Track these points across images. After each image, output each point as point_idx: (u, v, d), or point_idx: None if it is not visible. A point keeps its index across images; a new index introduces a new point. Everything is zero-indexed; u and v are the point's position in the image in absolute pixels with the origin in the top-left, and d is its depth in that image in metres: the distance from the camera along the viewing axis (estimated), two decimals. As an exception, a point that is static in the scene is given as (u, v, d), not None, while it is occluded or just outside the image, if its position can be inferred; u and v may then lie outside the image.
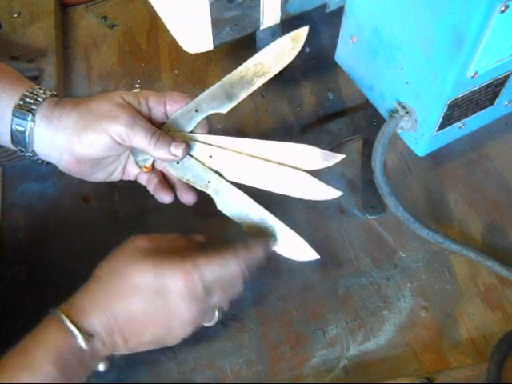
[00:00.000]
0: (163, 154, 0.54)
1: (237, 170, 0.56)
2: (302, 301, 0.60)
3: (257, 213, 0.56)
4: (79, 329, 0.45)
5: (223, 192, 0.56)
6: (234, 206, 0.56)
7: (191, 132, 0.57)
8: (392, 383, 0.55)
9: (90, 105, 0.53)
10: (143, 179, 0.59)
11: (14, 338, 0.59)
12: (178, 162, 0.56)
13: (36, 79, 0.72)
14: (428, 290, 0.60)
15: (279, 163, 0.56)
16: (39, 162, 0.56)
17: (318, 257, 0.55)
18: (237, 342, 0.58)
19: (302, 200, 0.67)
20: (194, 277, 0.47)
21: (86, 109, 0.53)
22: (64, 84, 0.77)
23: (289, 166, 0.56)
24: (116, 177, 0.59)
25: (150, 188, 0.58)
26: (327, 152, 0.56)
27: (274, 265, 0.62)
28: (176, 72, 0.79)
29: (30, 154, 0.55)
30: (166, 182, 0.59)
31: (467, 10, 0.43)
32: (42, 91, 0.53)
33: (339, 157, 0.56)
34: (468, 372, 0.54)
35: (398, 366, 0.57)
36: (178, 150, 0.54)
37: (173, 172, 0.57)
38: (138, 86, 0.77)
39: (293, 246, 0.55)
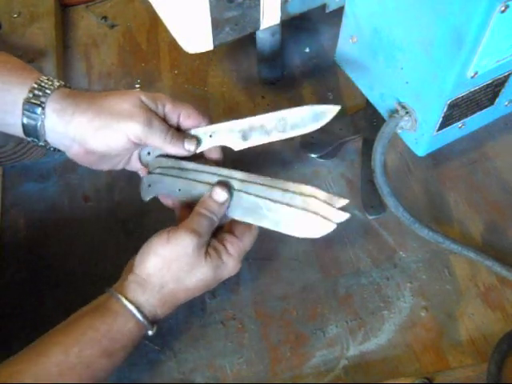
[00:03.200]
0: (178, 150, 0.56)
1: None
2: (301, 301, 0.61)
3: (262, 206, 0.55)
4: (150, 322, 0.52)
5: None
6: (241, 208, 0.56)
7: (201, 154, 0.59)
8: (392, 383, 0.55)
9: (107, 103, 0.54)
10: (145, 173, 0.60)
11: (14, 337, 0.59)
12: (179, 189, 0.58)
13: (36, 79, 0.72)
14: (428, 290, 0.60)
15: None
16: (51, 149, 0.56)
17: (335, 226, 0.54)
18: (237, 342, 0.58)
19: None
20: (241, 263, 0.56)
21: (102, 107, 0.53)
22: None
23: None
24: (119, 167, 0.60)
25: None
26: (330, 196, 0.54)
27: (274, 264, 0.63)
28: (176, 72, 0.79)
29: (43, 144, 0.55)
30: None
31: (467, 10, 0.43)
32: (49, 82, 0.53)
33: (342, 201, 0.54)
34: (468, 372, 0.54)
35: (398, 366, 0.57)
36: (190, 145, 0.57)
37: (177, 198, 0.59)
38: (137, 86, 0.77)
39: (307, 224, 0.54)
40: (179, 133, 0.57)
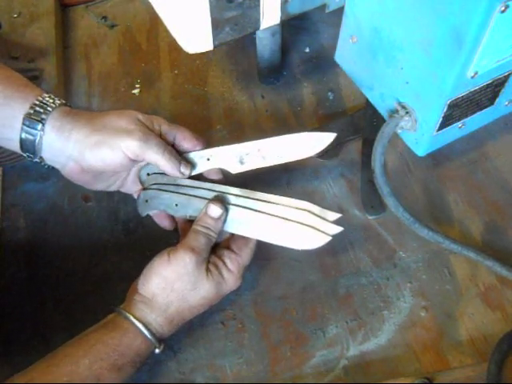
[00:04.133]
0: (173, 170, 0.57)
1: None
2: (301, 301, 0.61)
3: (257, 222, 0.57)
4: (157, 339, 0.53)
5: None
6: (237, 222, 0.57)
7: (200, 175, 0.61)
8: (392, 383, 0.55)
9: (105, 120, 0.55)
10: None
11: (14, 337, 0.59)
12: (176, 204, 0.59)
13: (36, 79, 0.72)
14: (428, 290, 0.60)
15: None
16: (46, 166, 0.57)
17: (330, 238, 0.56)
18: (237, 342, 0.58)
19: (302, 199, 0.66)
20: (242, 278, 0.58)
21: (101, 124, 0.54)
22: (64, 84, 0.77)
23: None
24: (113, 188, 0.61)
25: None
26: (324, 210, 0.57)
27: (274, 264, 0.63)
28: (176, 72, 0.79)
29: (38, 160, 0.56)
30: None
31: (467, 10, 0.43)
32: (51, 100, 0.54)
33: (334, 215, 0.57)
34: (468, 372, 0.54)
35: (398, 366, 0.57)
36: (186, 170, 0.58)
37: (175, 214, 0.60)
38: (137, 85, 0.77)
39: (300, 236, 0.56)
40: (177, 154, 0.58)
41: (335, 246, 0.63)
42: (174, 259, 0.53)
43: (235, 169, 0.60)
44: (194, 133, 0.60)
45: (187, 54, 0.62)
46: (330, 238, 0.56)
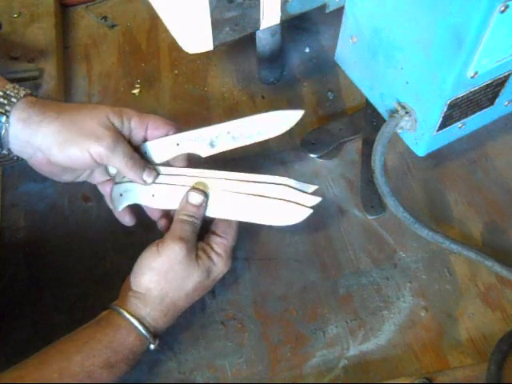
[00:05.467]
0: (135, 178, 0.57)
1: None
2: (301, 301, 0.61)
3: (238, 204, 0.57)
4: (152, 335, 0.53)
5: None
6: (218, 206, 0.57)
7: (167, 162, 0.59)
8: (392, 383, 0.55)
9: (75, 117, 0.54)
10: (106, 190, 0.62)
11: (14, 337, 0.59)
12: (153, 195, 0.58)
13: (36, 79, 0.72)
14: (428, 290, 0.60)
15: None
16: (14, 158, 0.56)
17: (311, 211, 0.55)
18: (237, 342, 0.58)
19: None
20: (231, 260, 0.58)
21: (71, 120, 0.53)
22: (64, 84, 0.77)
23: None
24: (82, 179, 0.60)
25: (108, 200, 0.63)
26: (301, 183, 0.57)
27: (274, 264, 0.63)
28: (176, 72, 0.79)
29: (6, 153, 0.55)
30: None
31: (467, 10, 0.43)
32: (15, 91, 0.53)
33: (312, 187, 0.57)
34: (468, 372, 0.54)
35: (398, 366, 0.57)
36: (148, 178, 0.57)
37: (152, 205, 0.59)
38: (137, 85, 0.77)
39: (282, 212, 0.56)
40: (141, 160, 0.57)
41: (335, 246, 0.63)
42: (163, 251, 0.53)
43: (206, 152, 0.58)
44: (167, 119, 0.59)
45: (187, 54, 0.62)
46: (310, 211, 0.55)
